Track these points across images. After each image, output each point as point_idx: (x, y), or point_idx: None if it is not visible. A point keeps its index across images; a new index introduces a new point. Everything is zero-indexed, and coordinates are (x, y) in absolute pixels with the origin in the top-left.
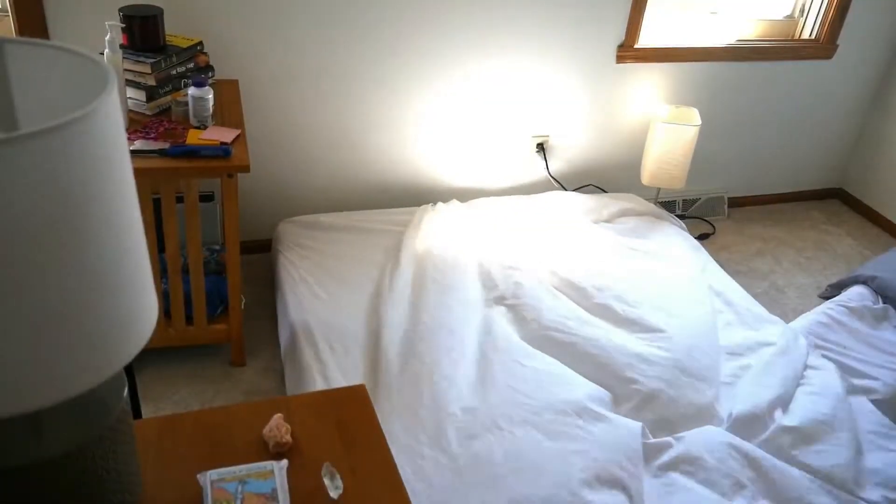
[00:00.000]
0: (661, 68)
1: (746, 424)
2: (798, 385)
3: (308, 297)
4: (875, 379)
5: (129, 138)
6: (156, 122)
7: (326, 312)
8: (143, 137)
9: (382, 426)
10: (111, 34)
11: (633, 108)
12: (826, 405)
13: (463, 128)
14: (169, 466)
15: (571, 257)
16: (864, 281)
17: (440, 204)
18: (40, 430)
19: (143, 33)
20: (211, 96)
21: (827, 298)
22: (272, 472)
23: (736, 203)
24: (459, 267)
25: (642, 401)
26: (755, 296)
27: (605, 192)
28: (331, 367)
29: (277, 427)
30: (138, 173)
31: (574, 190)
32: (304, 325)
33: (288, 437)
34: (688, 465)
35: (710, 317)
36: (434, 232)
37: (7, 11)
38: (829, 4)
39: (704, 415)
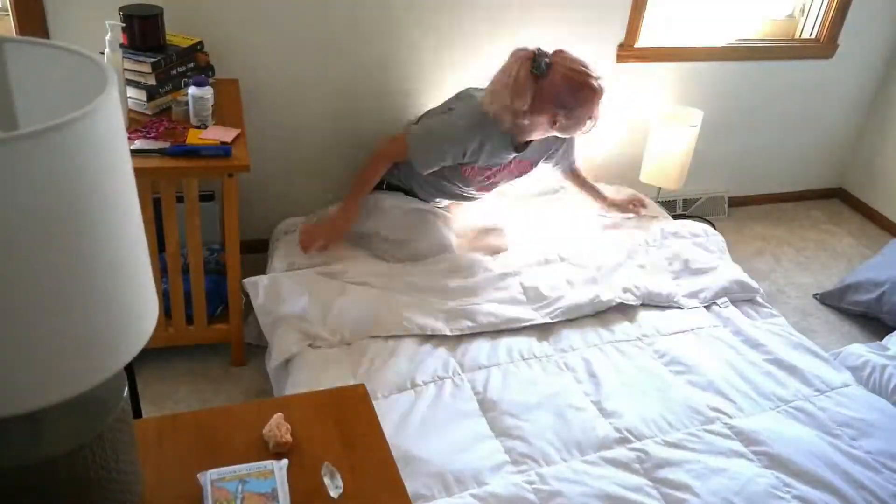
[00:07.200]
0: (660, 68)
1: None
2: None
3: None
4: None
5: (129, 138)
6: (156, 122)
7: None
8: (143, 137)
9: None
10: (111, 34)
11: (632, 107)
12: None
13: None
14: (169, 466)
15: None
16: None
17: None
18: (40, 430)
19: (143, 33)
20: (211, 96)
21: (822, 301)
22: (272, 471)
23: (736, 203)
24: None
25: None
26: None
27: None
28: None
29: (277, 427)
30: (138, 173)
31: None
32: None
33: (288, 437)
34: None
35: None
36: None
37: (7, 11)
38: (829, 4)
39: None
